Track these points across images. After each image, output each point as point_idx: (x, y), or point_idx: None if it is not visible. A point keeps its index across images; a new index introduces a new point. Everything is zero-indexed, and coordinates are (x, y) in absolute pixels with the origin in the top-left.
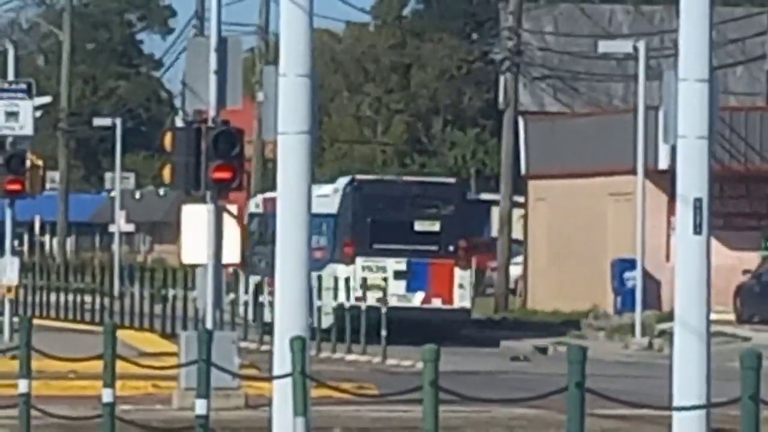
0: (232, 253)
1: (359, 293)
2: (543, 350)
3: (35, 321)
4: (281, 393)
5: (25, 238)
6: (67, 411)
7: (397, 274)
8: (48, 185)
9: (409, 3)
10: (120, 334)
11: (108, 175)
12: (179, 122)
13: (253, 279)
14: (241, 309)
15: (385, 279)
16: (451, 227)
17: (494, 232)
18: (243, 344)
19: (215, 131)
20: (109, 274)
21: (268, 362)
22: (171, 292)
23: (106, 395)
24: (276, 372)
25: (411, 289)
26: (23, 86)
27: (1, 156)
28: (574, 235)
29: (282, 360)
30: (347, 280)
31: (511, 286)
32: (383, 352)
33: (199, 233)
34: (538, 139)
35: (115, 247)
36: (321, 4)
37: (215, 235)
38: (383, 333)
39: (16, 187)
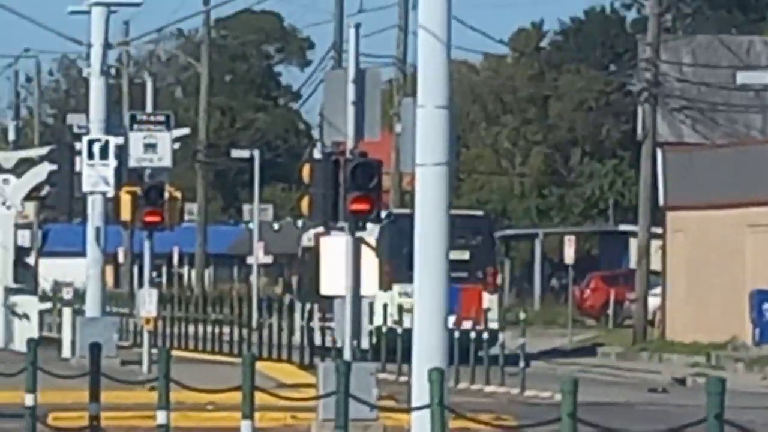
0: (370, 285)
1: (396, 317)
2: (681, 381)
3: (174, 352)
4: (419, 424)
5: (164, 269)
6: None
7: None
8: (186, 217)
9: (547, 35)
10: (258, 365)
11: (246, 207)
12: (317, 154)
13: (306, 306)
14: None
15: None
16: (480, 256)
17: (632, 264)
18: (381, 375)
19: (353, 163)
20: (248, 305)
21: (406, 393)
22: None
23: (245, 427)
24: (414, 403)
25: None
26: (162, 118)
27: (139, 188)
28: (712, 266)
29: (420, 391)
30: (385, 305)
31: (650, 317)
32: (522, 384)
33: (337, 265)
34: (676, 171)
35: (253, 278)
36: (459, 36)
37: (353, 266)
38: (521, 364)
39: (154, 219)
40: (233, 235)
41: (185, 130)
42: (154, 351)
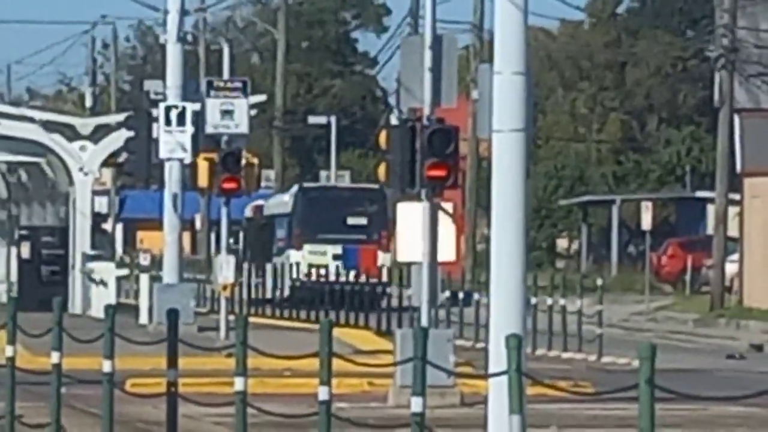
0: (447, 251)
1: (306, 271)
2: (759, 348)
3: (250, 319)
4: (497, 391)
5: (241, 236)
6: (283, 409)
7: (335, 257)
8: (263, 183)
9: (624, 0)
10: (335, 331)
11: (323, 173)
12: (394, 120)
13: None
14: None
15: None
16: (376, 221)
17: (710, 230)
18: (458, 342)
19: (430, 129)
20: (324, 271)
21: (482, 360)
22: (386, 290)
23: (322, 393)
24: (491, 370)
25: (346, 267)
26: (239, 84)
27: (216, 154)
28: None
29: (497, 358)
30: (298, 263)
31: (727, 283)
32: (599, 351)
33: (414, 231)
34: (753, 137)
35: None
36: (535, 2)
37: (430, 233)
38: (598, 330)
39: (231, 185)
40: None
41: (262, 97)
42: (231, 318)
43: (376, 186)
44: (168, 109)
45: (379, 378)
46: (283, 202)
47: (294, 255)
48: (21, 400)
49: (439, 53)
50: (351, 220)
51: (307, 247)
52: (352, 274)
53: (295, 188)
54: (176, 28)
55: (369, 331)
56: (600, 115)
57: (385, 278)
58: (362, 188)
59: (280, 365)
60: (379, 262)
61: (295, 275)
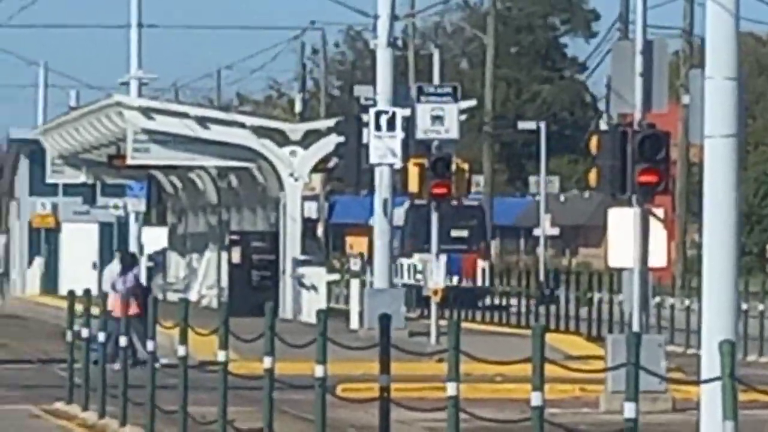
0: (658, 257)
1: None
2: None
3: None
4: (709, 397)
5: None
6: (495, 414)
7: None
8: (473, 189)
9: None
10: (546, 337)
11: (532, 179)
12: (604, 125)
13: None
14: None
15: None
16: (476, 233)
17: None
18: (669, 348)
19: (641, 134)
20: (534, 277)
21: (694, 365)
22: (596, 296)
23: (535, 398)
24: (704, 375)
25: (450, 273)
26: (449, 90)
27: (426, 160)
28: None
29: (710, 363)
30: (408, 267)
31: None
32: None
33: (625, 237)
34: None
35: (540, 250)
36: (745, 7)
37: (641, 238)
38: None
39: (441, 190)
40: (520, 207)
41: (472, 102)
42: (442, 323)
43: (475, 203)
44: (378, 114)
45: (590, 384)
46: (396, 216)
47: (405, 262)
48: (233, 404)
49: (650, 58)
50: (454, 233)
51: (416, 255)
52: (455, 279)
53: (406, 204)
54: (386, 33)
55: (579, 336)
56: None
57: (484, 283)
58: (464, 205)
59: (492, 370)
60: (479, 269)
61: (406, 280)
